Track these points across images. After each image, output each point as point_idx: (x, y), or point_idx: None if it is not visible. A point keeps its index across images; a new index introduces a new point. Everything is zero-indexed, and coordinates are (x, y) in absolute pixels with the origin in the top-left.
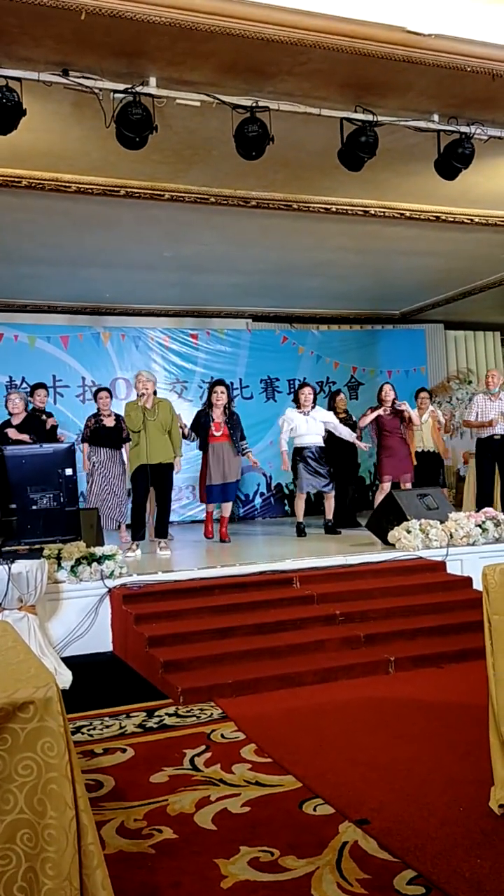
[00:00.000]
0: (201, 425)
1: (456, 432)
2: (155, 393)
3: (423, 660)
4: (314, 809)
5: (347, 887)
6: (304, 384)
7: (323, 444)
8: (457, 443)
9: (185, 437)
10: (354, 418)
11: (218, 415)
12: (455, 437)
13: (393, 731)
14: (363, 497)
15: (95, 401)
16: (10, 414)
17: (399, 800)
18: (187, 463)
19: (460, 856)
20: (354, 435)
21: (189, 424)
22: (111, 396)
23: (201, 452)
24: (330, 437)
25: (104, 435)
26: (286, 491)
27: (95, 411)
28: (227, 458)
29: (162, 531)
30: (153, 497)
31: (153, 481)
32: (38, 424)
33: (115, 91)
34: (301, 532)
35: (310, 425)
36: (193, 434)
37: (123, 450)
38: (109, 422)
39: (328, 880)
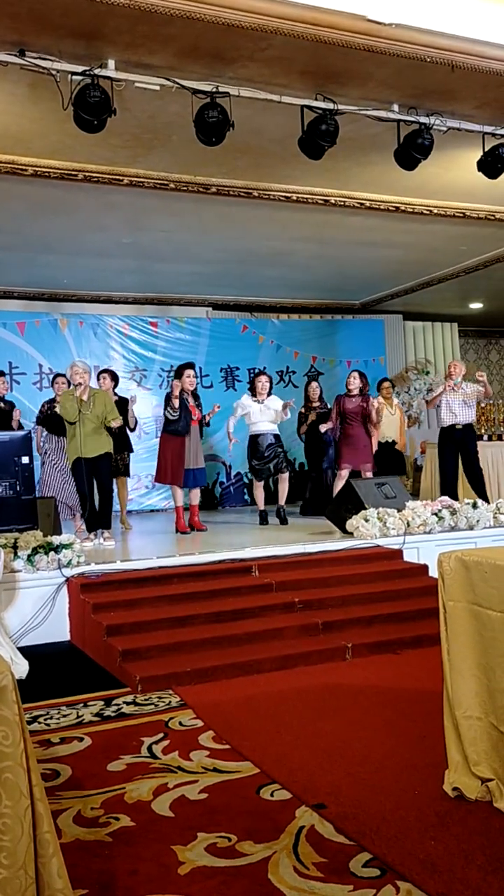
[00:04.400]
0: (182, 404)
1: (415, 423)
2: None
3: (380, 646)
4: (271, 795)
5: (304, 871)
6: (260, 373)
7: (277, 432)
8: (414, 432)
9: (131, 429)
10: (329, 406)
11: (190, 398)
12: (413, 426)
13: (349, 716)
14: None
15: (52, 386)
16: None
17: (355, 784)
18: (146, 452)
19: (415, 838)
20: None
21: (164, 404)
22: (69, 384)
23: (160, 435)
24: (312, 425)
25: (57, 422)
26: (246, 480)
27: (52, 397)
28: (198, 443)
29: (105, 522)
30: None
31: (92, 473)
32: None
33: (73, 73)
34: (264, 520)
35: (264, 413)
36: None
37: None
38: None
39: (285, 864)
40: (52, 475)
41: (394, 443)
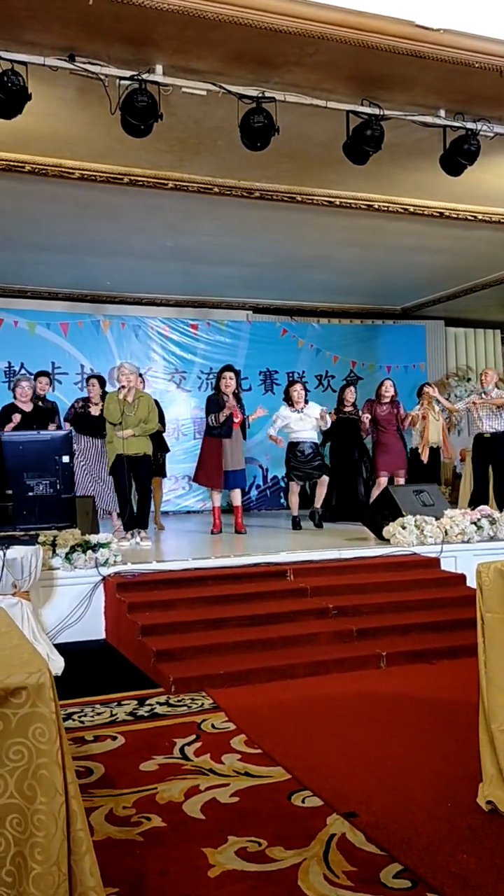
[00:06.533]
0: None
1: (454, 429)
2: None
3: (415, 655)
4: (302, 801)
5: (334, 879)
6: (293, 381)
7: (317, 440)
8: (454, 440)
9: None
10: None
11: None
12: (453, 433)
13: (383, 725)
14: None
15: (86, 387)
16: (18, 400)
17: (387, 793)
18: (184, 453)
19: (447, 851)
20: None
21: (207, 410)
22: (102, 385)
23: (202, 437)
24: (342, 428)
25: (88, 423)
26: (283, 484)
27: (85, 396)
28: (238, 446)
29: (141, 522)
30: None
31: (131, 473)
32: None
33: (121, 78)
34: (296, 525)
35: (304, 422)
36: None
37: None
38: (96, 410)
39: (315, 872)
40: (82, 476)
41: (437, 448)
